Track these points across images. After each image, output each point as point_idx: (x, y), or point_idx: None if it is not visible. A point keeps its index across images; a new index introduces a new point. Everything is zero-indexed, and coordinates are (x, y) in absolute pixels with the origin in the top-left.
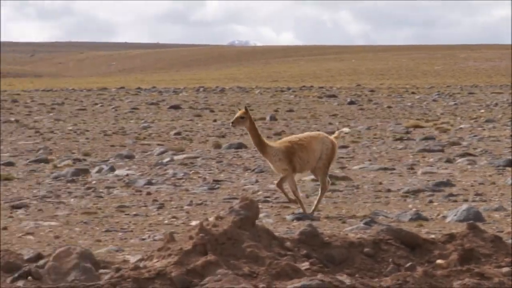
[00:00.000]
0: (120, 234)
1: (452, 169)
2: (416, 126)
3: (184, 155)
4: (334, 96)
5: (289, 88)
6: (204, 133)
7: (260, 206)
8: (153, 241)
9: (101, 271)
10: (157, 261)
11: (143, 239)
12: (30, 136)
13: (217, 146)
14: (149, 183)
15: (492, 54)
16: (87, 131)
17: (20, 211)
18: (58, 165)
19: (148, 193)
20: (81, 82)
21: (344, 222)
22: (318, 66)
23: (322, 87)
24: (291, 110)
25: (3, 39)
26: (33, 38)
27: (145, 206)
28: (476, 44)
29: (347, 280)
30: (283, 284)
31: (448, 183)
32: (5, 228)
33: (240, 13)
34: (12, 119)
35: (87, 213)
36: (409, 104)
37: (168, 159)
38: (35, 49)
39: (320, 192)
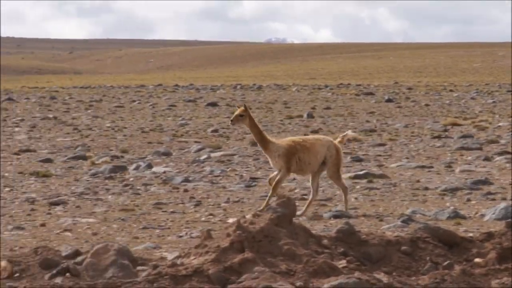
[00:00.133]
0: (158, 231)
1: (490, 167)
2: (454, 124)
3: (221, 153)
4: (371, 93)
5: (326, 86)
6: (241, 131)
7: (297, 203)
8: (190, 238)
9: (139, 268)
10: (194, 258)
11: (180, 236)
12: (68, 133)
13: (254, 143)
14: (186, 180)
15: None
16: (125, 128)
17: (58, 207)
18: (96, 162)
19: (185, 190)
20: (119, 79)
21: (381, 220)
22: (355, 64)
23: (359, 85)
24: (328, 108)
25: (42, 36)
26: (72, 35)
27: (182, 203)
28: None
29: (385, 279)
30: (320, 282)
31: (486, 181)
32: (43, 225)
33: (278, 11)
34: (51, 116)
35: (124, 210)
36: (447, 102)
37: (205, 156)
38: (73, 46)
39: (344, 194)
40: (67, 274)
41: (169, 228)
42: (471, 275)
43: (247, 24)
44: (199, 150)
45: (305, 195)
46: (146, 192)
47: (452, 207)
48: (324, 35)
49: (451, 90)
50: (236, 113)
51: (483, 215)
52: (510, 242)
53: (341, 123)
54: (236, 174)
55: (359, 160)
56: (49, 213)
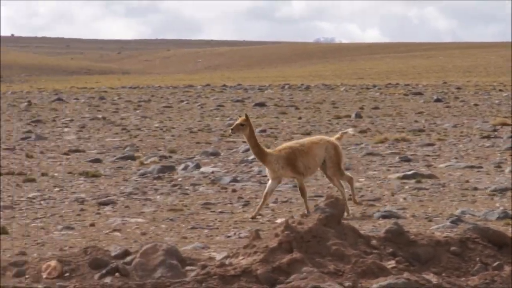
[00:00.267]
0: (206, 231)
1: None
2: (504, 124)
3: None
4: (420, 93)
5: (374, 86)
6: (289, 131)
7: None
8: (239, 239)
9: (187, 268)
10: (243, 259)
11: (229, 236)
12: (117, 133)
13: None
14: (235, 180)
15: None
16: (173, 128)
17: (107, 207)
18: (145, 162)
19: (234, 191)
20: (168, 79)
21: (430, 221)
22: (404, 63)
23: (408, 85)
24: (376, 108)
25: (91, 37)
26: (120, 36)
27: (231, 203)
28: None
29: (434, 279)
30: (368, 282)
31: None
32: (92, 225)
33: (326, 10)
34: (100, 116)
35: (173, 210)
36: (497, 101)
37: (253, 156)
38: (122, 46)
39: (350, 185)
40: (116, 274)
41: (217, 228)
42: None
43: (295, 24)
44: (247, 150)
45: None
46: (194, 192)
47: (501, 208)
48: (372, 35)
49: (500, 90)
50: (237, 122)
51: None
52: None
53: (389, 123)
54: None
55: (408, 160)
56: (98, 213)
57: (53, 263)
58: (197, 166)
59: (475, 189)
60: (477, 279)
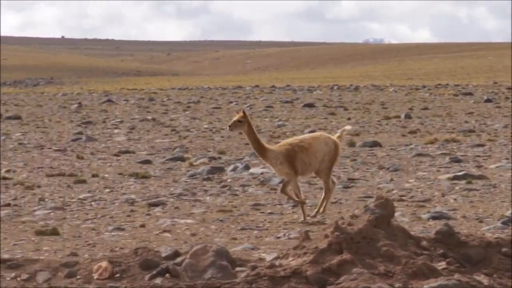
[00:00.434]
0: (256, 232)
1: None
2: None
3: None
4: (470, 94)
5: (424, 86)
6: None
7: (395, 204)
8: (288, 240)
9: (237, 269)
10: (293, 260)
11: (278, 237)
12: (166, 135)
13: (351, 144)
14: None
15: None
16: (222, 129)
17: (157, 208)
18: (194, 163)
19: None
20: (217, 81)
21: (481, 222)
22: (453, 64)
23: (457, 85)
24: (426, 108)
25: (140, 38)
26: (170, 37)
27: (280, 204)
28: None
29: (485, 280)
30: (419, 283)
31: None
32: (142, 226)
33: (375, 11)
34: (149, 117)
35: (222, 211)
36: None
37: None
38: (171, 48)
39: (324, 195)
40: (167, 275)
41: (267, 229)
42: None
43: (344, 24)
44: None
45: (403, 196)
46: (243, 193)
47: None
48: (422, 35)
49: None
50: (235, 118)
51: None
52: None
53: (439, 124)
54: (333, 175)
55: (458, 161)
56: (148, 214)
57: (104, 264)
58: (246, 167)
59: None
60: None
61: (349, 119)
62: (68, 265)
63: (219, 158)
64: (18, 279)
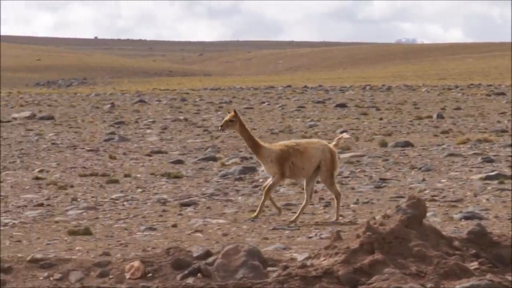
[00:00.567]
0: (287, 232)
1: None
2: None
3: (350, 154)
4: (503, 93)
5: (456, 86)
6: (370, 132)
7: (427, 204)
8: (320, 240)
9: (269, 269)
10: (324, 260)
11: (310, 237)
12: (198, 135)
13: (383, 144)
14: (316, 181)
15: None
16: (254, 129)
17: (189, 208)
18: (226, 163)
19: (314, 192)
20: (249, 81)
21: None
22: (486, 64)
23: (490, 85)
24: (458, 108)
25: (173, 39)
26: (202, 38)
27: (312, 204)
28: None
29: None
30: (451, 283)
31: None
32: (174, 226)
33: (407, 11)
34: (181, 117)
35: (254, 211)
36: None
37: None
38: (203, 48)
39: (336, 201)
40: (199, 275)
41: (298, 229)
42: None
43: (376, 24)
44: None
45: (435, 196)
46: (275, 193)
47: None
48: (455, 35)
49: None
50: (226, 118)
51: None
52: None
53: (471, 124)
54: (365, 175)
55: (490, 161)
56: (180, 214)
57: (136, 263)
58: None
59: None
60: None
61: (381, 119)
62: (101, 265)
63: (251, 158)
64: (51, 278)
